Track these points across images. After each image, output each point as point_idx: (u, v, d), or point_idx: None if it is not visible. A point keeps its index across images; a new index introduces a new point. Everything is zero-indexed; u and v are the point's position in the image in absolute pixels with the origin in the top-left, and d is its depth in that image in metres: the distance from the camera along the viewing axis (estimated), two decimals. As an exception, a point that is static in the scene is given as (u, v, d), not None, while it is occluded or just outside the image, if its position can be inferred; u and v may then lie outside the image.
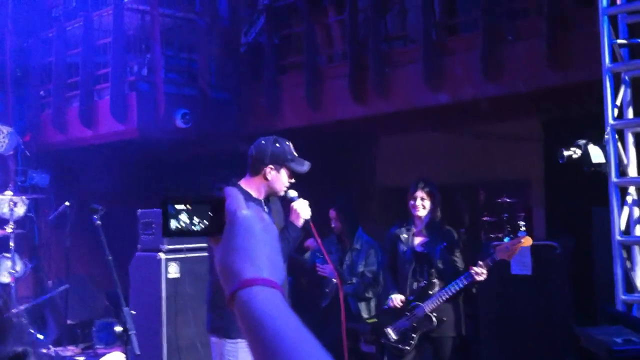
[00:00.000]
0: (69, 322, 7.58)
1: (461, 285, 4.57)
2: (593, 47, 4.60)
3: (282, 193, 3.66)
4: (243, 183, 3.65)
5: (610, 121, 4.44)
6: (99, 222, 4.64)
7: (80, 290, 7.90)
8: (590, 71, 4.81)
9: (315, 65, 7.19)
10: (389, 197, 8.40)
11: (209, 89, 7.66)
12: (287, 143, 3.64)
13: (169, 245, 5.73)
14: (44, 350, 6.92)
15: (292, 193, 3.67)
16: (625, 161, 4.49)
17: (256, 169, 3.62)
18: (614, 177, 4.40)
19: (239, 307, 0.93)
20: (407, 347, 4.76)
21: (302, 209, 3.62)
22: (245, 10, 8.37)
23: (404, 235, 4.90)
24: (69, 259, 7.29)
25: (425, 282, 4.78)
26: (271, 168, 3.59)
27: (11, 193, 7.70)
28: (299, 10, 7.48)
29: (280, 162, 3.59)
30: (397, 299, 4.78)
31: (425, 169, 6.99)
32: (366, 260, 5.63)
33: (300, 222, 3.63)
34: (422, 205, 4.82)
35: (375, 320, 5.25)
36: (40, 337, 7.15)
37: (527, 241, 4.55)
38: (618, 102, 4.49)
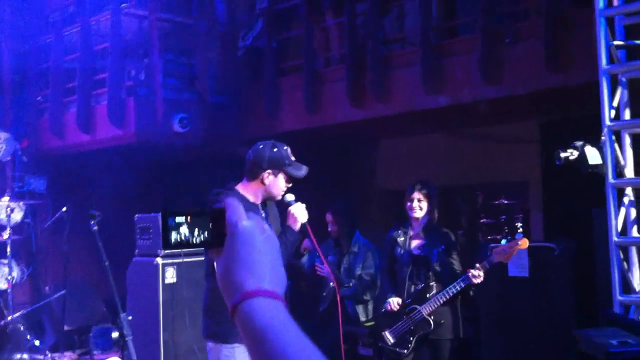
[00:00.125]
0: (66, 328, 7.55)
1: (458, 288, 4.56)
2: (591, 48, 4.60)
3: (279, 197, 3.65)
4: (240, 187, 3.64)
5: (607, 122, 4.43)
6: (96, 227, 4.64)
7: (78, 296, 7.88)
8: (588, 73, 4.81)
9: (314, 69, 7.18)
10: (389, 200, 8.40)
11: (207, 93, 7.65)
12: (285, 148, 3.64)
13: (165, 250, 5.71)
14: (41, 357, 6.90)
15: (290, 197, 3.66)
16: (622, 162, 4.48)
17: (254, 174, 3.61)
18: (611, 178, 4.40)
19: (240, 319, 0.92)
20: (405, 351, 4.75)
21: (300, 213, 3.62)
22: (243, 14, 8.37)
23: (401, 238, 4.90)
24: (66, 264, 7.27)
25: (422, 284, 4.77)
26: (269, 173, 3.58)
27: (8, 199, 7.68)
28: (297, 14, 7.48)
29: (278, 166, 3.58)
30: (394, 302, 4.78)
31: (424, 171, 6.98)
32: (364, 263, 5.62)
33: (297, 226, 3.63)
34: (419, 207, 4.82)
35: (372, 323, 5.25)
36: (37, 343, 7.13)
37: (524, 243, 4.54)
38: (615, 104, 4.49)
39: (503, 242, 4.63)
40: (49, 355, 7.13)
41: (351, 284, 5.58)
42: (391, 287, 4.94)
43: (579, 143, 4.39)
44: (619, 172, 4.46)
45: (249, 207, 3.47)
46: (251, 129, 7.60)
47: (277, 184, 3.61)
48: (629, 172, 4.50)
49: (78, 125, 7.73)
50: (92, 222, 4.65)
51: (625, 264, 4.39)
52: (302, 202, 3.68)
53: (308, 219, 3.65)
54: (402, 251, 4.87)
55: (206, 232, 1.03)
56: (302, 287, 6.54)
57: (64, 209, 6.73)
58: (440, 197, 4.97)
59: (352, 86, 6.73)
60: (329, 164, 7.64)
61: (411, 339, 4.73)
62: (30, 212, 8.26)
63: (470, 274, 4.49)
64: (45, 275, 8.38)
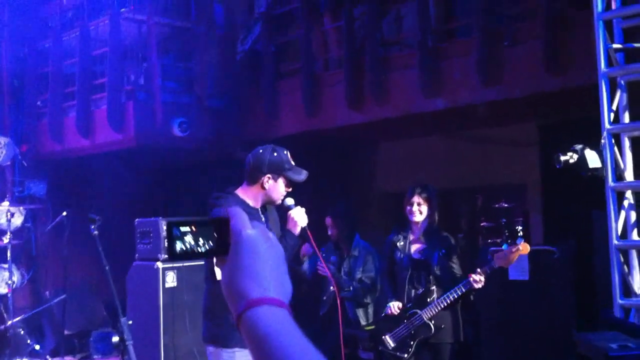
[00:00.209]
0: (66, 332, 7.54)
1: (459, 293, 4.56)
2: (590, 51, 4.60)
3: (279, 202, 3.65)
4: (240, 191, 3.64)
5: (607, 125, 4.43)
6: (96, 232, 4.65)
7: (78, 301, 7.88)
8: (587, 75, 4.81)
9: (313, 72, 7.19)
10: (388, 203, 8.40)
11: (206, 96, 7.66)
12: (284, 152, 3.64)
13: (166, 254, 5.71)
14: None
15: (289, 201, 3.66)
16: (621, 165, 4.48)
17: (254, 178, 3.61)
18: (610, 182, 4.40)
19: (246, 328, 0.92)
20: (405, 355, 4.75)
21: (299, 217, 3.62)
22: (241, 18, 8.38)
23: (401, 242, 4.90)
24: (66, 269, 7.26)
25: (423, 289, 4.77)
26: (269, 177, 3.58)
27: (8, 203, 7.69)
28: (295, 17, 7.49)
29: (278, 171, 3.58)
30: (394, 306, 4.77)
31: (424, 174, 6.99)
32: (364, 266, 5.61)
33: (297, 230, 3.63)
34: (419, 211, 4.82)
35: (373, 327, 5.24)
36: (38, 347, 7.13)
37: (525, 249, 4.54)
38: (614, 107, 4.49)
39: (504, 247, 4.63)
40: (50, 359, 7.13)
41: (351, 288, 5.58)
42: (391, 291, 4.94)
43: (578, 146, 4.40)
44: (618, 175, 4.46)
45: (249, 211, 3.47)
46: (250, 133, 7.60)
47: (277, 188, 3.61)
48: (629, 176, 4.50)
49: (77, 130, 7.74)
50: (92, 227, 4.66)
51: (625, 267, 4.39)
52: (302, 206, 3.68)
53: (308, 223, 3.65)
54: (402, 255, 4.87)
55: (211, 241, 1.03)
56: (303, 289, 6.54)
57: (64, 213, 6.73)
58: (439, 200, 4.96)
59: (350, 89, 6.73)
60: (328, 167, 7.64)
61: (412, 343, 4.73)
62: (30, 216, 8.27)
63: (471, 278, 4.49)
64: (45, 279, 8.38)
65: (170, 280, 5.69)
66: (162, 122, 7.22)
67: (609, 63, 4.47)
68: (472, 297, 4.94)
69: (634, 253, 4.43)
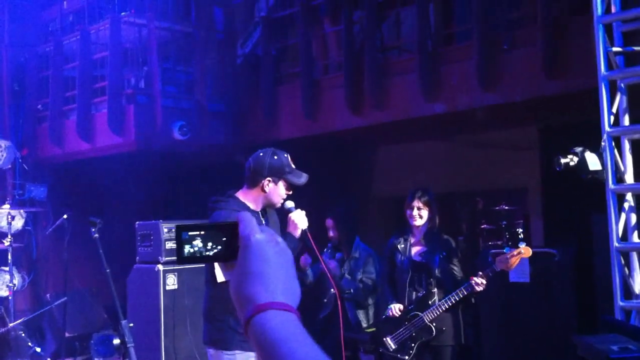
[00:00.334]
0: (67, 335, 7.54)
1: (461, 296, 4.56)
2: (589, 54, 4.62)
3: (279, 205, 3.66)
4: (240, 195, 3.65)
5: (607, 128, 4.44)
6: (96, 234, 4.66)
7: (79, 303, 7.88)
8: (586, 79, 4.82)
9: (312, 76, 7.20)
10: (388, 206, 8.41)
11: (206, 100, 7.67)
12: (285, 155, 3.65)
13: (166, 257, 5.72)
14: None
15: (289, 204, 3.67)
16: (622, 168, 4.49)
17: (254, 181, 3.62)
18: (611, 184, 4.41)
19: (254, 333, 0.91)
20: (406, 357, 4.75)
21: (300, 220, 3.62)
22: (241, 22, 8.40)
23: (401, 245, 4.91)
24: (67, 271, 7.26)
25: (423, 291, 4.77)
26: (269, 180, 3.59)
27: (9, 206, 7.70)
28: (295, 22, 7.50)
29: (278, 174, 3.59)
30: (395, 308, 4.78)
31: (423, 178, 7.00)
32: (364, 268, 5.62)
33: (297, 233, 3.63)
34: (419, 215, 4.83)
35: (374, 329, 5.24)
36: (39, 350, 7.13)
37: (527, 252, 4.55)
38: (614, 110, 4.51)
39: (506, 250, 4.64)
40: (50, 362, 7.14)
41: (352, 291, 5.58)
42: (392, 293, 4.94)
43: (578, 149, 4.41)
44: (619, 177, 4.47)
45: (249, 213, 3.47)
46: (250, 137, 7.61)
47: (277, 191, 3.62)
48: (629, 178, 4.51)
49: (78, 133, 7.74)
50: (93, 229, 4.67)
51: (626, 269, 4.39)
52: (302, 209, 3.69)
53: (308, 226, 3.66)
54: (403, 258, 4.88)
55: (219, 246, 1.04)
56: (303, 291, 6.52)
57: (65, 216, 6.74)
58: (440, 204, 4.97)
59: (350, 93, 6.74)
60: (328, 170, 7.65)
61: (413, 345, 4.74)
62: (31, 219, 8.27)
63: (473, 281, 4.50)
64: (46, 282, 8.38)
65: (171, 283, 5.69)
66: (162, 125, 7.22)
67: (609, 66, 4.49)
68: (473, 300, 4.95)
69: (634, 255, 4.44)
